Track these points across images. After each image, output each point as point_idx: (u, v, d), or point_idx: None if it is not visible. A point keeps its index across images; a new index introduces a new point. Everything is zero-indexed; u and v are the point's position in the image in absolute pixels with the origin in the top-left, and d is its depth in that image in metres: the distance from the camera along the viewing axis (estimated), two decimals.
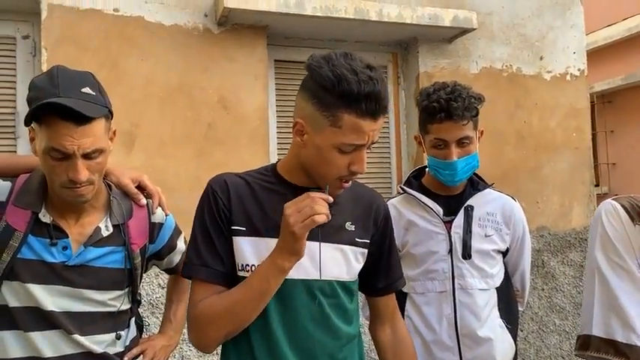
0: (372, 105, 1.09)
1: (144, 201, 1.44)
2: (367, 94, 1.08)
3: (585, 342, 1.13)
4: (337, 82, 1.08)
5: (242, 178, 1.26)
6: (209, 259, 1.19)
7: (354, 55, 1.13)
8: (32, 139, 1.26)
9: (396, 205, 1.81)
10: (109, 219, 1.37)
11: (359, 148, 1.14)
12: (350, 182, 1.21)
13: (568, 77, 3.93)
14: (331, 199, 1.11)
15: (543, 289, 3.76)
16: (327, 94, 1.10)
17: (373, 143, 1.17)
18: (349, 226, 1.28)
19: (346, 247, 1.26)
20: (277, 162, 1.31)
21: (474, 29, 3.48)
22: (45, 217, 1.30)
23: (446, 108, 1.61)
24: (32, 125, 1.24)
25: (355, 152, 1.14)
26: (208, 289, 1.18)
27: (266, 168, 1.31)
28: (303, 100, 1.16)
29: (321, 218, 1.07)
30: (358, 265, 1.30)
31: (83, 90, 1.22)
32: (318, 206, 1.07)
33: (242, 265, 1.19)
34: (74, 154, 1.19)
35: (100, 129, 1.23)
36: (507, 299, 1.80)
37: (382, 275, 1.38)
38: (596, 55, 7.40)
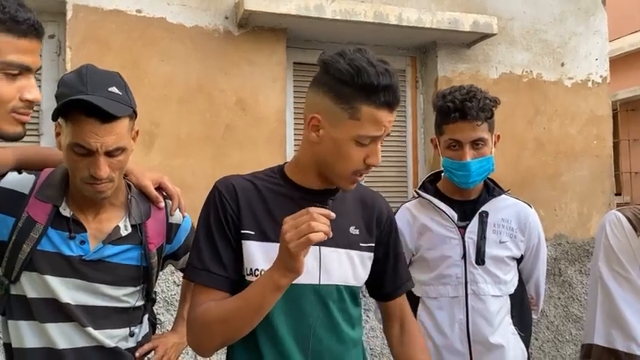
0: (389, 96, 1.11)
1: (162, 204, 1.47)
2: (385, 86, 1.10)
3: (588, 350, 1.16)
4: (356, 75, 1.09)
5: (249, 181, 1.24)
6: (211, 263, 1.18)
7: (367, 50, 1.14)
8: (58, 134, 1.31)
9: (410, 209, 1.81)
10: (127, 219, 1.39)
11: (375, 140, 1.15)
12: (363, 176, 1.21)
13: (589, 84, 3.88)
14: (333, 215, 1.06)
15: (560, 298, 3.72)
16: (346, 86, 1.11)
17: (387, 135, 1.18)
18: (353, 231, 1.27)
19: (352, 252, 1.26)
20: (284, 164, 1.31)
21: (494, 34, 3.46)
22: (65, 210, 1.34)
23: (460, 108, 1.62)
24: (59, 120, 1.28)
25: (371, 144, 1.15)
26: (209, 293, 1.18)
27: (273, 170, 1.29)
28: (317, 96, 1.16)
29: (318, 237, 1.02)
30: (365, 270, 1.30)
31: (110, 89, 1.25)
32: (315, 224, 1.02)
33: (251, 269, 1.18)
34: (97, 150, 1.23)
35: (124, 128, 1.27)
36: (521, 306, 1.79)
37: (389, 279, 1.37)
38: (621, 62, 7.28)
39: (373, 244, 1.31)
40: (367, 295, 1.46)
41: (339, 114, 1.13)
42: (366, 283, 1.37)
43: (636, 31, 7.73)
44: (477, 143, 1.65)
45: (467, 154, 1.64)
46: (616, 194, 4.06)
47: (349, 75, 1.10)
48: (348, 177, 1.18)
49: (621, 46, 7.69)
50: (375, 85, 1.09)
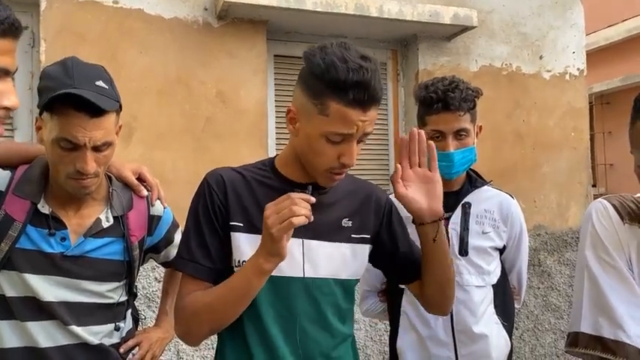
0: (360, 94, 1.07)
1: (145, 192, 1.45)
2: (355, 83, 1.06)
3: (574, 339, 1.14)
4: (326, 70, 1.07)
5: (239, 173, 1.23)
6: (198, 255, 1.18)
7: (350, 45, 1.11)
8: (39, 128, 1.27)
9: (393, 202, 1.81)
10: (109, 210, 1.37)
11: (348, 138, 1.11)
12: (343, 175, 1.18)
13: (567, 77, 3.93)
14: (313, 200, 1.08)
15: (539, 288, 3.78)
16: (317, 81, 1.09)
17: (366, 135, 1.13)
18: (346, 222, 1.26)
19: (343, 245, 1.25)
20: (275, 156, 1.30)
21: (475, 27, 3.48)
22: (44, 207, 1.30)
23: (443, 98, 1.61)
24: (42, 115, 1.24)
25: (344, 143, 1.11)
26: (196, 284, 1.18)
27: (263, 162, 1.29)
28: (297, 89, 1.16)
29: (299, 220, 1.04)
30: (358, 263, 1.28)
31: (97, 83, 1.23)
32: (297, 208, 1.04)
33: (239, 261, 1.17)
34: (85, 145, 1.21)
35: (111, 123, 1.26)
36: (504, 296, 1.80)
37: (409, 261, 1.35)
38: (596, 56, 7.41)
39: (368, 236, 1.30)
40: None
41: (311, 109, 1.11)
42: (389, 274, 1.41)
43: (610, 26, 7.87)
44: (459, 134, 1.66)
45: (450, 144, 1.64)
46: (592, 186, 4.13)
47: (319, 70, 1.08)
48: (322, 173, 1.16)
49: (596, 40, 7.83)
50: (342, 81, 1.06)
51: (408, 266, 1.36)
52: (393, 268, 1.38)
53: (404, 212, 1.74)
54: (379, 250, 1.33)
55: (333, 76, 1.06)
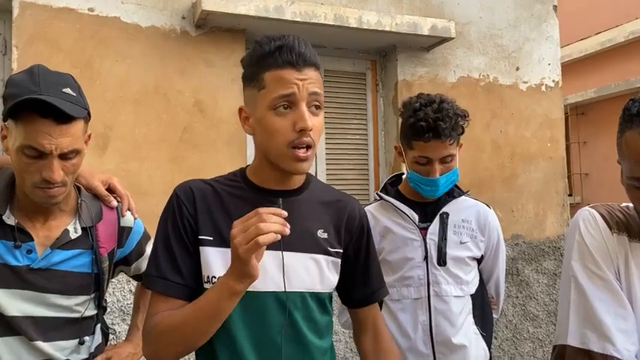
0: (287, 55, 1.09)
1: (115, 202, 1.42)
2: (278, 47, 1.09)
3: (561, 352, 1.10)
4: (254, 52, 1.13)
5: (209, 185, 1.20)
6: (168, 271, 1.13)
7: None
8: (4, 137, 1.24)
9: (372, 212, 1.80)
10: (77, 221, 1.33)
11: (294, 102, 1.08)
12: (309, 152, 1.10)
13: (543, 88, 4.00)
14: (285, 213, 0.99)
15: (517, 297, 3.80)
16: (250, 67, 1.14)
17: (315, 96, 1.09)
18: (321, 234, 1.22)
19: (320, 257, 1.20)
20: (247, 166, 1.26)
21: (452, 38, 3.51)
22: (9, 219, 1.26)
23: (434, 128, 1.60)
24: (5, 122, 1.21)
25: (294, 110, 1.08)
26: (166, 302, 1.12)
27: (234, 173, 1.25)
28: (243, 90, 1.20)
29: (267, 238, 0.95)
30: (333, 275, 1.24)
31: (64, 90, 1.20)
32: (264, 225, 0.95)
33: (208, 277, 1.13)
34: (51, 153, 1.18)
35: (79, 130, 1.22)
36: (482, 306, 1.80)
37: (360, 285, 1.31)
38: (570, 68, 7.57)
39: (341, 250, 1.25)
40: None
41: (252, 94, 1.13)
42: (337, 288, 1.32)
43: (584, 38, 8.06)
44: (445, 159, 1.66)
45: (437, 170, 1.65)
46: (568, 195, 4.20)
47: (249, 56, 1.14)
48: (286, 153, 1.10)
49: (570, 53, 8.00)
50: (267, 51, 1.10)
51: (352, 290, 1.31)
52: (341, 284, 1.30)
53: (381, 224, 1.75)
54: (341, 263, 1.27)
55: (259, 52, 1.11)
